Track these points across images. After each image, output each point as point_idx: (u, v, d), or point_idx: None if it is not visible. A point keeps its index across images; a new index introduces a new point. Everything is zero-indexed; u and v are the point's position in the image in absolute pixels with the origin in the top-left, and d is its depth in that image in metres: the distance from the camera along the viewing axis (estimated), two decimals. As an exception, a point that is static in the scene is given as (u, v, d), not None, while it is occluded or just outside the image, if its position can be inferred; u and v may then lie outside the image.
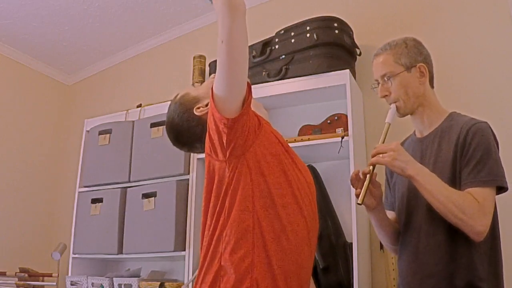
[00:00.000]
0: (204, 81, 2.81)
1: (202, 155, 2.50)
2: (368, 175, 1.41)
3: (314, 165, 2.40)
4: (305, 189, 1.27)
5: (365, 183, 1.40)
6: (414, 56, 1.52)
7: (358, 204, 1.40)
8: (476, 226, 1.28)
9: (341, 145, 2.16)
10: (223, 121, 1.14)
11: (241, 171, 1.18)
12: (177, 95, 1.44)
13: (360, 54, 2.49)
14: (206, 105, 1.32)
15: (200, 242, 1.27)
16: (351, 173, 2.05)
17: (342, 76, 2.25)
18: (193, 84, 2.82)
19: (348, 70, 2.26)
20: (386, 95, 1.52)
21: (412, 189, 1.46)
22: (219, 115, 1.14)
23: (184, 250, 2.40)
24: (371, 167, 1.41)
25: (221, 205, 1.19)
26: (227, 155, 1.18)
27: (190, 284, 2.28)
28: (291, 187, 1.23)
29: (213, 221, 1.20)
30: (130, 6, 3.05)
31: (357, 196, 1.43)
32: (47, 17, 3.09)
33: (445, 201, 1.30)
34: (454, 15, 2.43)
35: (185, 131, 1.39)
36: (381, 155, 1.38)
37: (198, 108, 1.35)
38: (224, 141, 1.16)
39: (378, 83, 1.55)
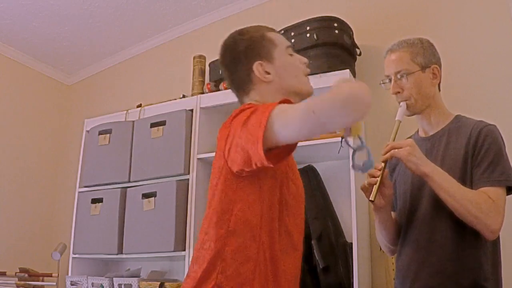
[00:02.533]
0: (203, 81, 2.81)
1: (202, 155, 2.53)
2: (380, 172, 1.40)
3: (314, 165, 2.40)
4: (298, 201, 1.24)
5: (377, 180, 1.39)
6: (429, 57, 1.52)
7: (371, 200, 1.39)
8: (491, 225, 1.30)
9: (341, 145, 2.15)
10: (261, 162, 1.04)
11: (251, 192, 1.14)
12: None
13: (360, 54, 2.49)
14: (267, 73, 1.23)
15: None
16: (351, 173, 2.08)
17: (342, 76, 2.25)
18: (193, 84, 2.82)
19: (348, 70, 2.26)
20: (399, 92, 1.52)
21: (416, 186, 1.47)
22: (261, 156, 1.01)
23: (184, 250, 2.40)
24: (383, 164, 1.41)
25: (225, 222, 1.13)
26: (243, 176, 1.13)
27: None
28: (286, 209, 1.19)
29: (214, 232, 1.13)
30: (130, 6, 3.04)
31: (366, 192, 1.42)
32: (47, 17, 3.09)
33: (461, 199, 1.31)
34: (454, 15, 2.43)
35: (232, 66, 1.29)
36: (396, 150, 1.37)
37: (261, 65, 1.24)
38: (247, 171, 1.10)
39: (390, 79, 1.54)
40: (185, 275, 1.20)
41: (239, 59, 1.27)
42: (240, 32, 1.30)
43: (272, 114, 1.02)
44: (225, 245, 1.12)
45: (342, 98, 0.98)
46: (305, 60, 1.30)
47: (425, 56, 1.51)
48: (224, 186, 1.16)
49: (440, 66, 1.55)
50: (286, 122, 1.02)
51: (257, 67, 1.24)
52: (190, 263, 1.20)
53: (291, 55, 1.29)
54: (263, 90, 1.25)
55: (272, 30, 1.32)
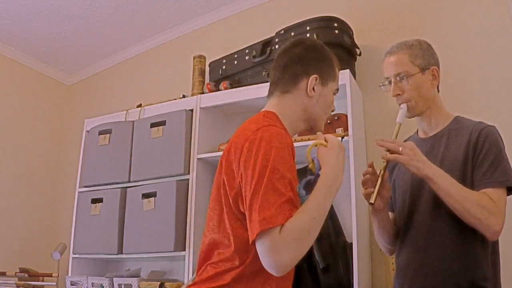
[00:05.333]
0: (203, 81, 2.82)
1: (202, 155, 2.53)
2: (380, 174, 1.41)
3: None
4: None
5: (377, 183, 1.41)
6: (428, 58, 1.52)
7: (371, 203, 1.41)
8: (493, 226, 1.31)
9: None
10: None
11: None
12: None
13: (360, 54, 2.49)
14: (313, 90, 1.30)
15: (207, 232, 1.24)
16: (351, 173, 2.08)
17: (342, 76, 2.21)
18: (193, 84, 2.82)
19: (348, 70, 2.26)
20: (399, 94, 1.52)
21: (415, 186, 1.48)
22: (251, 235, 1.07)
23: (184, 250, 2.40)
24: (383, 167, 1.41)
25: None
26: None
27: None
28: None
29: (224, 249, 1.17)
30: (130, 6, 3.04)
31: (366, 195, 1.44)
32: (47, 17, 3.09)
33: (463, 201, 1.31)
34: (454, 15, 2.44)
35: (296, 59, 1.33)
36: (398, 155, 1.37)
37: (316, 79, 1.30)
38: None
39: (389, 81, 1.54)
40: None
41: (306, 60, 1.32)
42: (323, 46, 1.38)
43: (269, 233, 1.04)
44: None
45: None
46: (334, 108, 1.40)
47: (424, 58, 1.51)
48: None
49: (439, 67, 1.55)
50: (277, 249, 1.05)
51: (313, 79, 1.30)
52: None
53: (334, 95, 1.38)
54: (296, 99, 1.31)
55: (339, 69, 1.41)
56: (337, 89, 1.39)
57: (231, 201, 1.16)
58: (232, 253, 1.15)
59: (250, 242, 1.07)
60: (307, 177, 1.26)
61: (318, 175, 1.22)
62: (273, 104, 1.32)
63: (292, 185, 1.11)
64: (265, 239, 1.03)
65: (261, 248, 1.05)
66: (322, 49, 1.36)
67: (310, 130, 1.37)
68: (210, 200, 1.26)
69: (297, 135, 2.47)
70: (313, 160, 1.27)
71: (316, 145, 1.27)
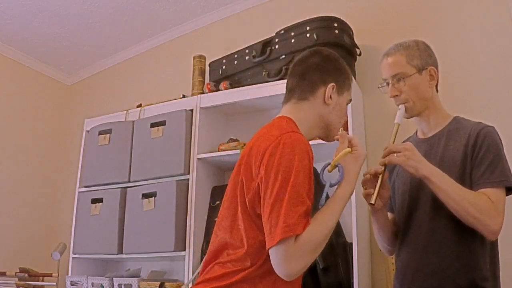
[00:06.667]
0: (203, 81, 2.82)
1: (202, 155, 2.53)
2: (380, 175, 1.41)
3: (314, 165, 2.39)
4: None
5: (377, 183, 1.41)
6: (426, 59, 1.52)
7: (371, 204, 1.41)
8: (492, 225, 1.31)
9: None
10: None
11: None
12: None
13: (360, 54, 2.50)
14: (331, 97, 1.32)
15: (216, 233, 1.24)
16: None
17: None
18: (193, 84, 2.82)
19: (348, 70, 2.26)
20: (397, 95, 1.52)
21: (415, 187, 1.48)
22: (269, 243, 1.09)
23: (184, 250, 2.40)
24: (382, 167, 1.42)
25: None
26: None
27: (190, 284, 2.28)
28: None
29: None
30: (130, 6, 3.05)
31: (367, 196, 1.44)
32: (47, 17, 3.09)
33: (461, 201, 1.31)
34: (454, 16, 2.44)
35: (315, 68, 1.36)
36: (395, 155, 1.38)
37: (333, 88, 1.33)
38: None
39: (387, 83, 1.55)
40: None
41: (324, 69, 1.36)
42: (339, 57, 1.43)
43: (287, 242, 1.07)
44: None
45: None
46: (347, 118, 1.45)
47: (422, 58, 1.52)
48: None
49: (436, 67, 1.55)
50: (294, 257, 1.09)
51: (331, 87, 1.34)
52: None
53: (347, 104, 1.42)
54: (313, 107, 1.33)
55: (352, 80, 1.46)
56: (350, 99, 1.42)
57: (247, 202, 1.17)
58: (243, 254, 1.15)
59: (267, 247, 1.08)
60: (325, 190, 1.30)
61: (336, 183, 1.26)
62: (290, 111, 1.34)
63: (311, 194, 1.14)
64: (281, 247, 1.06)
65: (276, 255, 1.07)
66: (338, 60, 1.40)
67: (324, 138, 1.40)
68: (224, 200, 1.27)
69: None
70: (336, 166, 1.29)
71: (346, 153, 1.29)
